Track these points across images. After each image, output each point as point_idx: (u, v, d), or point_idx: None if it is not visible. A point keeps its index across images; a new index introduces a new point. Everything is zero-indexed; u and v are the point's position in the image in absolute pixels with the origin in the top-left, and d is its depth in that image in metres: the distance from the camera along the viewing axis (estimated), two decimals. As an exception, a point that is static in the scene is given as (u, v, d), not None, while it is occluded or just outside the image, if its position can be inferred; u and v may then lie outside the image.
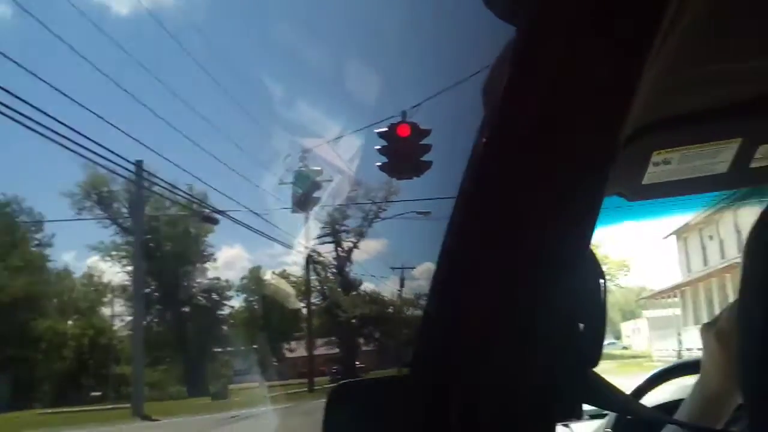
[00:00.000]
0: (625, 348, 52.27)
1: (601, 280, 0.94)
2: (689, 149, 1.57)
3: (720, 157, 1.60)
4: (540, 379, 0.85)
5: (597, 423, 2.58)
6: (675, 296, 37.53)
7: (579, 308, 0.90)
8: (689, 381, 2.09)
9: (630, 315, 60.19)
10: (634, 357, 39.97)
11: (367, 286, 51.62)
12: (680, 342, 34.30)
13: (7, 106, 15.26)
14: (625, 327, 57.38)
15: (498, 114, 0.84)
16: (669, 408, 1.52)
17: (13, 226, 48.95)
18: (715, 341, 1.37)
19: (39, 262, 49.98)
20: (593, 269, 0.94)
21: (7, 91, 15.43)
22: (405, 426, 0.97)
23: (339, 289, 49.44)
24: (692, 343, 30.30)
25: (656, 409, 2.15)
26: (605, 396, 1.00)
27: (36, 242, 50.94)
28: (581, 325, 0.91)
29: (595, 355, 0.93)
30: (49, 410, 37.09)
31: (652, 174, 1.64)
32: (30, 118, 16.22)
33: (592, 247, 0.91)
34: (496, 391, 0.85)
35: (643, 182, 1.67)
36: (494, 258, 0.85)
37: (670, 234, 38.04)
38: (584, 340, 0.91)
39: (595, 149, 0.79)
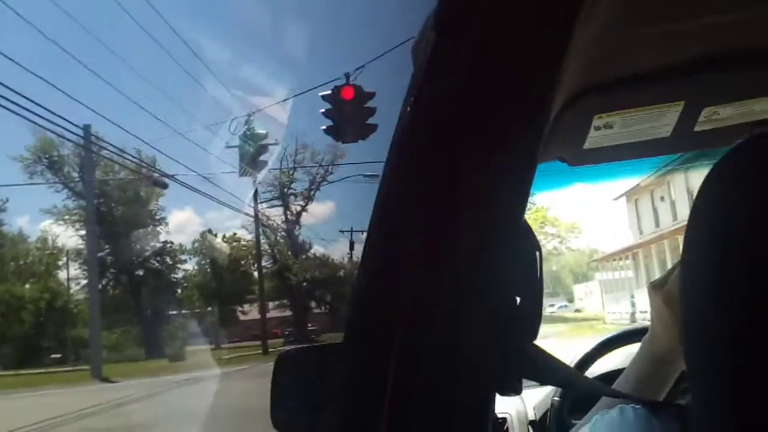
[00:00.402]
0: (577, 311, 51.72)
1: (537, 252, 0.89)
2: (631, 113, 1.51)
3: (663, 120, 1.55)
4: (476, 354, 0.81)
5: (547, 390, 2.54)
6: (627, 258, 37.01)
7: (515, 281, 0.85)
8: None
9: (582, 277, 60.06)
10: (586, 320, 39.73)
11: (317, 249, 51.62)
12: (633, 304, 33.94)
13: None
14: (578, 289, 56.95)
15: (424, 76, 0.79)
16: (616, 377, 1.49)
17: (-35, 193, 47.74)
18: (663, 303, 1.35)
19: (-7, 228, 48.89)
20: (528, 240, 0.89)
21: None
22: (342, 393, 0.93)
23: (289, 253, 49.33)
24: (645, 306, 30.17)
25: (603, 378, 2.13)
26: (545, 370, 0.98)
27: (-11, 208, 49.76)
28: (518, 299, 0.87)
29: (534, 329, 0.89)
30: (10, 372, 36.57)
31: (594, 138, 1.58)
32: (-20, 85, 15.70)
33: (527, 217, 0.87)
34: (431, 366, 0.80)
35: (585, 147, 1.62)
36: (424, 228, 0.81)
37: (621, 196, 37.71)
38: (521, 314, 0.87)
39: (526, 113, 0.76)
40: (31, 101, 18.06)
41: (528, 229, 0.89)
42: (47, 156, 45.53)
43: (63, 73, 37.34)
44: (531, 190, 0.82)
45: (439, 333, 0.80)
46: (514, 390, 0.87)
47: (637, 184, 32.09)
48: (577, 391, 1.92)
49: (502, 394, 0.87)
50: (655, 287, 1.38)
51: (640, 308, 31.98)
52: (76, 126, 26.49)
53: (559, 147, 1.64)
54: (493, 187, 0.78)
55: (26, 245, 52.53)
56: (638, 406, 0.93)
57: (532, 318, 0.88)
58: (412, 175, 0.82)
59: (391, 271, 0.85)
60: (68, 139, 34.49)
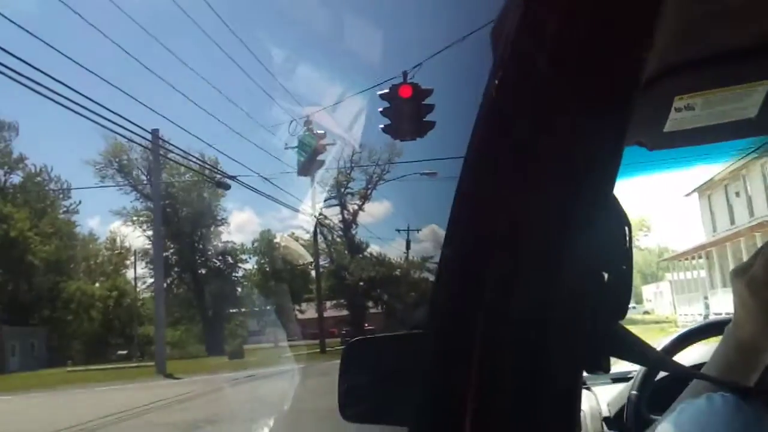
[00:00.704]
0: (647, 312, 49.61)
1: (627, 227, 0.84)
2: (714, 93, 1.40)
3: (748, 101, 1.42)
4: (564, 331, 0.80)
5: (621, 386, 2.41)
6: (700, 257, 35.16)
7: (603, 257, 0.82)
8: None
9: (651, 278, 58.34)
10: (656, 322, 37.44)
11: (373, 248, 51.84)
12: (707, 306, 32.43)
13: (33, 81, 15.21)
14: (647, 290, 55.14)
15: (510, 54, 0.78)
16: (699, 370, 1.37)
17: (43, 195, 49.35)
18: (747, 290, 1.24)
19: (67, 228, 50.60)
20: (617, 216, 0.84)
21: (34, 67, 15.38)
22: (421, 381, 0.87)
23: (346, 252, 49.62)
24: (720, 307, 27.97)
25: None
26: (635, 350, 0.93)
27: (64, 209, 51.49)
28: (606, 275, 0.83)
29: (622, 306, 0.84)
30: (80, 368, 37.68)
31: (674, 121, 1.46)
32: (54, 92, 16.21)
33: (615, 193, 0.82)
34: (517, 345, 0.80)
35: (665, 130, 1.49)
36: (511, 208, 0.79)
37: (692, 191, 35.90)
38: (609, 290, 0.83)
39: (615, 91, 0.75)
40: (103, 107, 18.54)
41: (617, 204, 0.84)
42: (117, 160, 47.12)
43: (132, 79, 38.34)
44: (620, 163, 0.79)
45: (524, 311, 0.78)
46: (603, 368, 0.85)
47: (710, 179, 30.69)
48: (669, 372, 1.80)
49: (590, 372, 0.85)
50: (738, 273, 1.29)
51: (715, 310, 30.37)
52: (145, 130, 27.14)
53: (638, 130, 1.51)
54: (584, 161, 0.76)
55: (96, 245, 54.18)
56: (727, 394, 0.89)
57: (621, 295, 0.84)
58: (497, 153, 0.79)
59: (475, 251, 0.81)
60: (137, 143, 35.53)
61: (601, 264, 0.81)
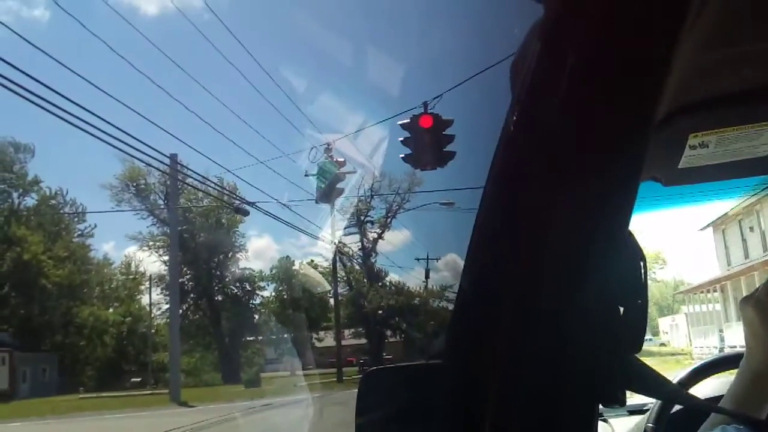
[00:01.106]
0: (662, 345, 49.93)
1: (642, 262, 0.85)
2: (728, 131, 1.44)
3: (762, 139, 1.47)
4: (581, 364, 0.79)
5: (637, 419, 2.44)
6: (715, 291, 35.19)
7: (619, 291, 0.82)
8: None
9: (667, 310, 58.32)
10: (672, 354, 38.25)
11: (392, 277, 51.66)
12: (722, 339, 32.28)
13: (50, 103, 15.40)
14: (663, 323, 55.07)
15: (527, 93, 0.78)
16: (715, 403, 1.42)
17: (57, 218, 49.75)
18: (754, 313, 1.30)
19: (81, 252, 50.84)
20: (633, 250, 0.85)
21: (52, 89, 15.60)
22: (437, 411, 0.93)
23: (365, 280, 49.49)
24: (735, 340, 27.77)
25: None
26: (651, 382, 0.95)
27: (78, 233, 51.88)
28: (621, 309, 0.83)
29: (638, 340, 0.85)
30: (92, 395, 37.70)
31: (689, 158, 1.52)
32: (72, 114, 16.34)
33: (630, 228, 0.83)
34: (534, 378, 0.80)
35: (679, 166, 1.55)
36: (529, 241, 0.79)
37: (707, 226, 36.08)
38: (625, 324, 0.83)
39: (631, 127, 0.74)
40: (121, 130, 18.71)
41: (633, 240, 0.85)
42: (135, 184, 47.33)
43: (151, 103, 38.82)
44: (635, 199, 0.79)
45: (541, 343, 0.79)
46: (619, 401, 0.84)
47: (724, 214, 30.72)
48: (684, 405, 1.83)
49: (607, 405, 0.85)
50: (747, 300, 1.34)
51: (729, 343, 30.40)
52: (163, 155, 27.34)
53: (653, 166, 1.58)
54: (601, 197, 0.77)
55: (111, 270, 54.41)
56: (741, 426, 0.91)
57: (637, 329, 0.84)
58: (515, 189, 0.80)
59: (493, 285, 0.83)
60: (155, 168, 35.78)
61: (617, 298, 0.83)
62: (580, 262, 0.77)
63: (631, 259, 0.84)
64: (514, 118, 0.79)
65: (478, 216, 0.86)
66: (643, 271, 0.85)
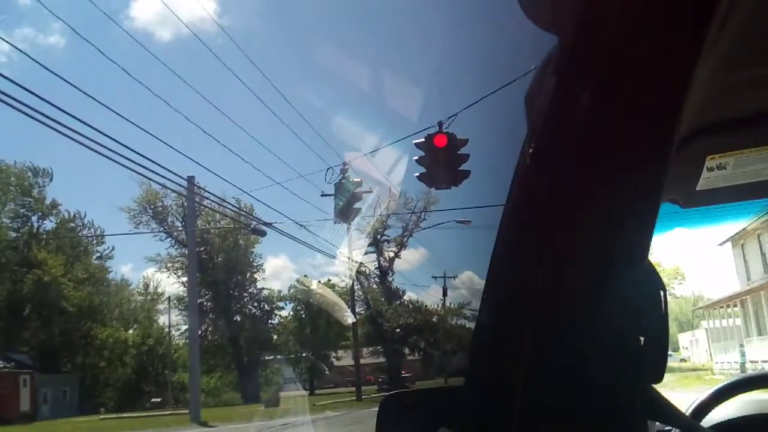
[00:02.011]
0: (683, 360, 49.14)
1: (662, 291, 0.84)
2: (745, 153, 1.46)
3: None
4: (601, 394, 0.78)
5: None
6: (735, 306, 34.74)
7: (639, 321, 0.81)
8: (757, 396, 1.92)
9: (687, 325, 57.50)
10: (693, 370, 37.74)
11: (410, 295, 51.45)
12: (743, 354, 32.00)
13: (68, 127, 15.56)
14: (683, 338, 54.07)
15: (545, 122, 0.79)
16: (736, 425, 1.41)
17: (76, 240, 50.08)
18: None
19: (100, 274, 51.13)
20: (652, 280, 0.84)
21: (69, 114, 15.75)
22: None
23: (382, 299, 49.32)
24: (756, 355, 27.92)
25: (719, 428, 2.01)
26: (669, 413, 0.94)
27: (97, 255, 52.19)
28: (642, 339, 0.82)
29: (659, 370, 0.83)
30: (113, 415, 37.74)
31: (707, 180, 1.53)
32: (89, 138, 16.49)
33: (650, 258, 0.83)
34: (555, 406, 0.79)
35: (697, 188, 1.56)
36: (548, 270, 0.79)
37: (726, 241, 35.47)
38: (646, 355, 0.82)
39: (650, 151, 0.74)
40: (138, 153, 18.85)
41: (652, 269, 0.84)
42: (152, 206, 47.53)
43: (169, 126, 39.09)
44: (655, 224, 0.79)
45: (561, 374, 0.78)
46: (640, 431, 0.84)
47: (743, 229, 30.38)
48: None
49: None
50: None
51: (751, 358, 30.18)
52: (180, 177, 27.49)
53: (671, 188, 1.58)
54: (620, 225, 0.76)
55: (129, 292, 54.63)
56: None
57: (658, 359, 0.83)
58: (535, 215, 0.81)
59: (513, 313, 0.83)
60: (172, 190, 36.03)
61: (638, 328, 0.82)
62: (600, 291, 0.76)
63: (651, 288, 0.83)
64: (532, 147, 0.80)
65: (498, 241, 0.87)
66: (663, 301, 0.84)
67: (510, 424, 0.81)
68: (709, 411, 2.20)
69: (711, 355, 39.69)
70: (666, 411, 0.93)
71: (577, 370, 0.78)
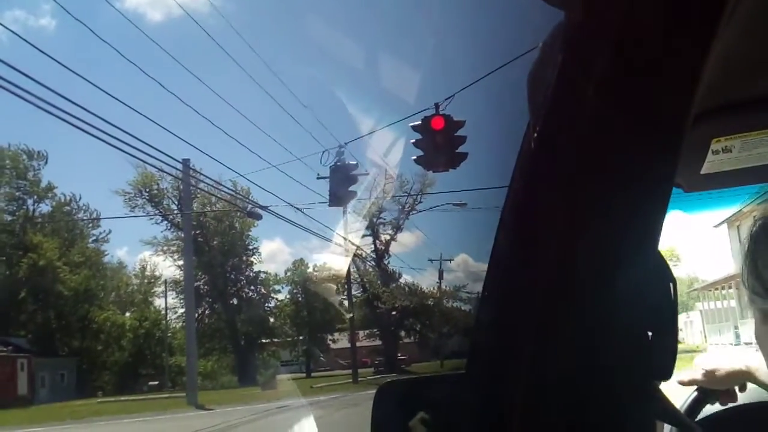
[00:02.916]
0: (678, 342, 49.90)
1: (671, 284, 0.81)
2: (751, 136, 1.42)
3: None
4: (607, 389, 0.76)
5: None
6: (730, 287, 34.49)
7: (648, 314, 0.78)
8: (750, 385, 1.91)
9: (682, 307, 58.14)
10: (687, 351, 37.54)
11: (406, 278, 51.44)
12: (737, 336, 32.14)
13: (63, 111, 15.49)
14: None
15: (550, 102, 0.76)
16: (741, 411, 1.39)
17: (71, 224, 50.02)
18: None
19: (96, 258, 51.12)
20: (662, 271, 0.81)
21: (63, 96, 15.68)
22: (458, 427, 0.91)
23: (379, 282, 49.36)
24: (751, 337, 28.91)
25: (721, 417, 1.99)
26: (672, 412, 0.94)
27: (93, 238, 52.14)
28: (650, 333, 0.79)
29: (668, 367, 0.80)
30: (110, 398, 37.85)
31: (712, 163, 1.49)
32: (84, 121, 16.43)
33: (660, 250, 0.79)
34: (560, 399, 0.77)
35: (702, 172, 1.52)
36: (552, 259, 0.76)
37: (721, 222, 35.43)
38: (655, 351, 0.79)
39: (662, 135, 0.72)
40: (133, 136, 18.78)
41: (662, 260, 0.81)
42: (148, 189, 47.47)
43: (163, 108, 38.92)
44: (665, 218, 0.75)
45: (566, 367, 0.76)
46: (646, 428, 0.81)
47: (739, 210, 30.57)
48: None
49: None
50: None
51: (745, 339, 29.92)
52: (176, 160, 27.38)
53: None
54: (628, 212, 0.73)
55: (126, 275, 54.69)
56: None
57: (667, 355, 0.80)
58: (538, 205, 0.78)
59: (516, 303, 0.81)
60: (168, 173, 35.94)
61: (646, 322, 0.79)
62: (608, 279, 0.74)
63: (661, 280, 0.80)
64: (537, 129, 0.77)
65: (500, 228, 0.84)
66: (673, 293, 0.80)
67: (512, 416, 0.79)
68: (703, 407, 2.17)
69: (705, 336, 40.02)
70: (665, 408, 0.92)
71: (583, 362, 0.75)
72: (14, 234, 46.16)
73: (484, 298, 0.88)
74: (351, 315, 44.07)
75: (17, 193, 47.45)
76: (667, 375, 0.81)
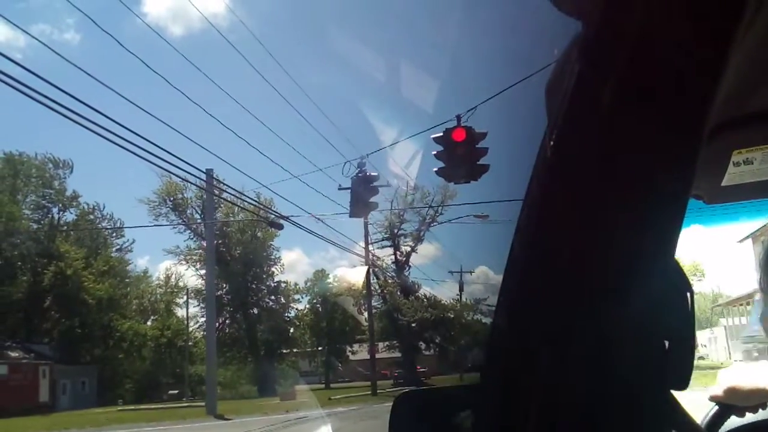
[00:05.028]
0: (701, 358, 47.55)
1: (689, 293, 0.79)
2: None
3: None
4: (622, 398, 0.75)
5: None
6: (754, 303, 35.16)
7: (664, 323, 0.77)
8: None
9: (705, 323, 57.48)
10: (711, 368, 37.53)
11: (426, 290, 51.29)
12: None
13: (88, 120, 15.63)
14: (701, 336, 53.88)
15: (567, 114, 0.75)
16: (763, 427, 1.36)
17: (95, 232, 50.47)
18: None
19: (120, 266, 51.47)
20: (679, 280, 0.79)
21: (89, 106, 15.83)
22: None
23: (399, 294, 49.28)
24: None
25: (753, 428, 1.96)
26: (688, 423, 0.91)
27: (116, 247, 52.57)
28: (667, 343, 0.78)
29: (684, 378, 0.78)
30: (130, 407, 38.06)
31: (733, 175, 1.45)
32: (109, 131, 16.51)
33: (677, 258, 0.78)
34: (574, 409, 0.77)
35: (723, 184, 1.48)
36: (568, 268, 0.75)
37: (746, 237, 35.79)
38: (671, 360, 0.78)
39: (678, 145, 0.71)
40: (158, 146, 18.89)
41: (679, 269, 0.79)
42: (172, 198, 47.81)
43: (188, 118, 39.28)
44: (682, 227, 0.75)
45: (581, 377, 0.75)
46: None
47: (764, 225, 30.35)
48: None
49: None
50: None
51: (770, 354, 30.02)
52: (200, 170, 27.53)
53: (696, 183, 1.51)
54: (646, 222, 0.73)
55: (149, 284, 55.03)
56: None
57: (683, 364, 0.79)
58: (553, 214, 0.77)
59: (531, 313, 0.80)
60: (192, 183, 36.14)
61: (663, 331, 0.78)
62: (625, 288, 0.74)
63: (677, 289, 0.79)
64: (553, 138, 0.76)
65: (516, 237, 0.82)
66: (690, 303, 0.79)
67: (527, 427, 0.78)
68: (725, 421, 2.13)
69: (730, 353, 39.51)
70: (683, 420, 0.90)
71: (598, 373, 0.75)
72: (39, 242, 46.64)
73: (498, 309, 0.87)
74: (370, 326, 43.98)
75: (43, 202, 48.15)
76: (683, 385, 0.79)
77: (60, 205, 48.73)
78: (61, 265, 44.38)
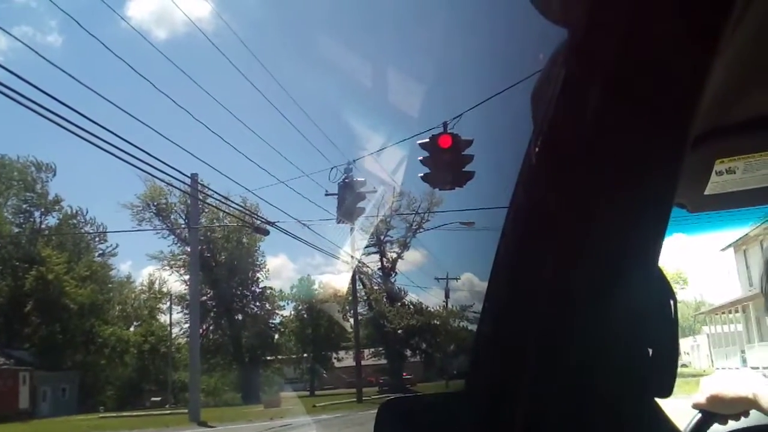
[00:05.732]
0: (684, 366, 48.17)
1: (672, 301, 0.80)
2: (755, 157, 1.42)
3: None
4: (605, 406, 0.76)
5: None
6: (736, 311, 34.93)
7: (647, 331, 0.78)
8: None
9: (688, 331, 58.16)
10: (694, 375, 37.86)
11: (412, 296, 51.38)
12: (744, 360, 32.06)
13: (71, 123, 15.54)
14: (684, 343, 54.53)
15: (551, 122, 0.76)
16: None
17: (78, 237, 50.12)
18: None
19: (102, 271, 51.08)
20: (663, 288, 0.80)
21: (72, 109, 15.74)
22: None
23: (384, 300, 49.24)
24: (758, 361, 28.04)
25: None
26: (670, 431, 0.92)
27: (99, 252, 52.19)
28: (650, 350, 0.78)
29: (668, 385, 0.79)
30: (112, 414, 37.76)
31: (716, 184, 1.48)
32: (93, 134, 16.44)
33: (660, 266, 0.79)
34: (558, 415, 0.78)
35: (705, 192, 1.52)
36: (552, 276, 0.76)
37: (728, 246, 35.31)
38: (654, 367, 0.78)
39: (662, 153, 0.72)
40: (142, 150, 18.82)
41: (663, 277, 0.81)
42: (155, 203, 47.54)
43: (172, 122, 39.07)
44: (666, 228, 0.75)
45: (565, 384, 0.76)
46: None
47: (746, 234, 30.60)
48: None
49: None
50: None
51: (752, 364, 29.95)
52: (184, 174, 27.43)
53: (679, 192, 1.53)
54: (630, 229, 0.73)
55: (132, 289, 54.67)
56: None
57: (666, 371, 0.79)
58: (538, 221, 0.78)
59: (516, 320, 0.81)
60: (176, 187, 36.02)
61: (646, 339, 0.79)
62: (608, 295, 0.74)
63: (661, 296, 0.80)
64: (538, 145, 0.77)
65: (501, 244, 0.84)
66: (673, 310, 0.80)
67: (513, 430, 0.78)
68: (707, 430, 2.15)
69: (712, 360, 39.82)
70: (666, 428, 0.91)
71: (582, 380, 0.75)
72: (21, 246, 46.26)
73: (484, 316, 0.88)
74: (356, 333, 43.87)
75: (24, 206, 47.75)
76: (666, 392, 0.80)
77: (42, 208, 48.31)
78: (42, 269, 43.94)
